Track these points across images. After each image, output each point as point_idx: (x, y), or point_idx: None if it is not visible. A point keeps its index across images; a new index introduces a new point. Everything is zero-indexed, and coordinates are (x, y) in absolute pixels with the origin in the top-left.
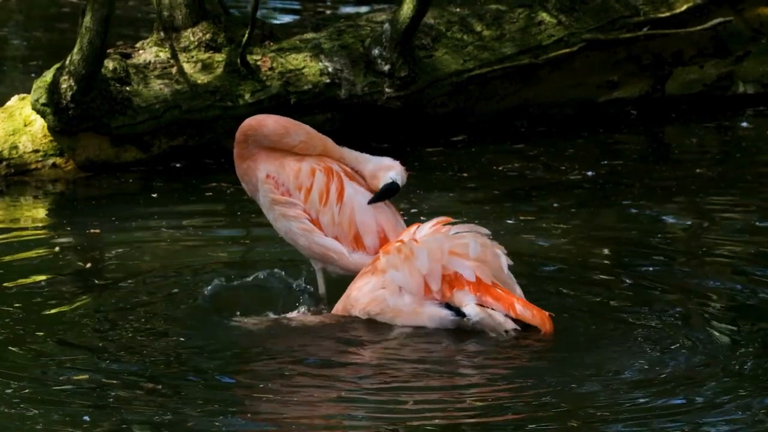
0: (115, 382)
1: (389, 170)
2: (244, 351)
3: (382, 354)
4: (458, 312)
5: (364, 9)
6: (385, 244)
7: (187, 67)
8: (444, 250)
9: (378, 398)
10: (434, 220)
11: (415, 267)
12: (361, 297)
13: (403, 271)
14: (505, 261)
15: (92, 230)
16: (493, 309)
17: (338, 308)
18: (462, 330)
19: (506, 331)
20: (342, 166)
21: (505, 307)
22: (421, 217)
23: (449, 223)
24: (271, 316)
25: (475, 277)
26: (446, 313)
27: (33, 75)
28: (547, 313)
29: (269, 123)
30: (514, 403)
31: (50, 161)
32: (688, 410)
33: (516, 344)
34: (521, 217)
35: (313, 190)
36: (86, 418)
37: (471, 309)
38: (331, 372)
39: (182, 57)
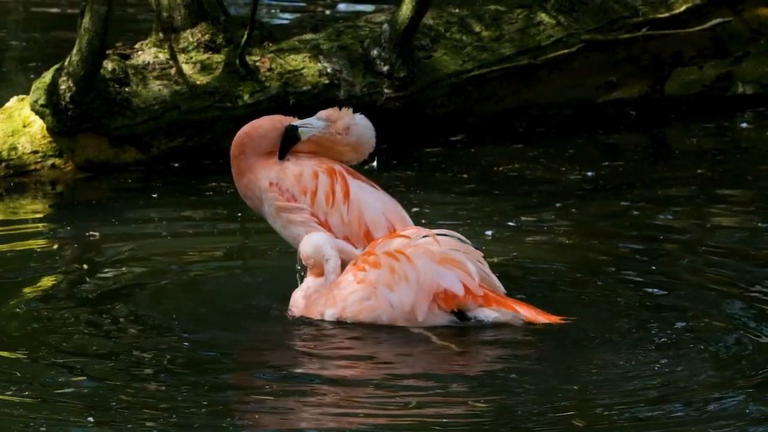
0: (118, 383)
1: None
2: (248, 352)
3: (383, 355)
4: (462, 317)
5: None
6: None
7: (186, 68)
8: (436, 269)
9: (381, 400)
10: (406, 231)
11: (409, 290)
12: (349, 306)
13: (399, 292)
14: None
15: (92, 231)
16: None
17: (328, 311)
18: (463, 330)
19: (522, 322)
20: (342, 165)
21: (507, 308)
22: (423, 220)
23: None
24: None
25: (464, 289)
26: (450, 319)
27: (32, 76)
28: (546, 314)
29: (264, 123)
30: (517, 404)
31: (49, 162)
32: (688, 413)
33: (517, 345)
34: (522, 218)
35: (319, 192)
36: (90, 419)
37: (480, 312)
38: (335, 373)
39: (181, 58)
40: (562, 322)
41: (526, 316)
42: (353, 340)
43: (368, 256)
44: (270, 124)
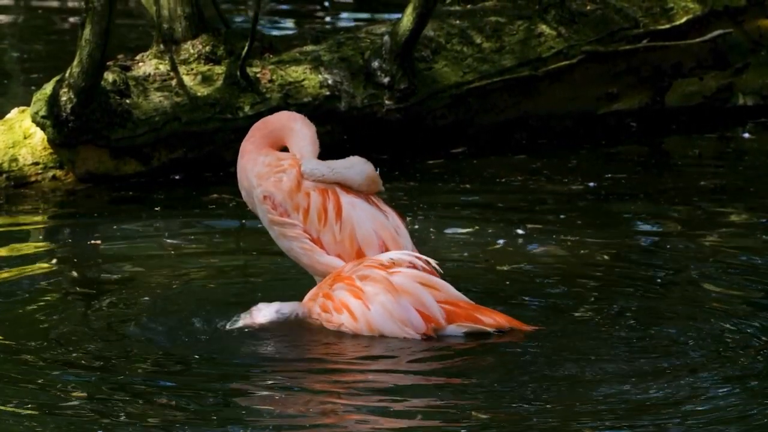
0: (125, 395)
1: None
2: (253, 362)
3: (380, 363)
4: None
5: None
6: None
7: (187, 80)
8: (392, 311)
9: (382, 404)
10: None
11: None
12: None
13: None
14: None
15: (93, 242)
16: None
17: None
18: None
19: (492, 330)
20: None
21: (472, 322)
22: (431, 229)
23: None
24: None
25: (424, 319)
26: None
27: (33, 87)
28: (514, 320)
29: (273, 117)
30: (516, 406)
31: (50, 174)
32: (686, 419)
33: (517, 352)
34: (528, 227)
35: (311, 211)
36: None
37: (450, 330)
38: (338, 382)
39: (182, 69)
40: (531, 329)
41: (490, 323)
42: (352, 348)
43: (327, 300)
44: (277, 119)
